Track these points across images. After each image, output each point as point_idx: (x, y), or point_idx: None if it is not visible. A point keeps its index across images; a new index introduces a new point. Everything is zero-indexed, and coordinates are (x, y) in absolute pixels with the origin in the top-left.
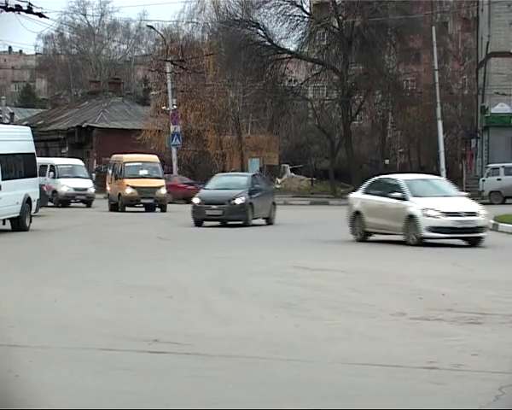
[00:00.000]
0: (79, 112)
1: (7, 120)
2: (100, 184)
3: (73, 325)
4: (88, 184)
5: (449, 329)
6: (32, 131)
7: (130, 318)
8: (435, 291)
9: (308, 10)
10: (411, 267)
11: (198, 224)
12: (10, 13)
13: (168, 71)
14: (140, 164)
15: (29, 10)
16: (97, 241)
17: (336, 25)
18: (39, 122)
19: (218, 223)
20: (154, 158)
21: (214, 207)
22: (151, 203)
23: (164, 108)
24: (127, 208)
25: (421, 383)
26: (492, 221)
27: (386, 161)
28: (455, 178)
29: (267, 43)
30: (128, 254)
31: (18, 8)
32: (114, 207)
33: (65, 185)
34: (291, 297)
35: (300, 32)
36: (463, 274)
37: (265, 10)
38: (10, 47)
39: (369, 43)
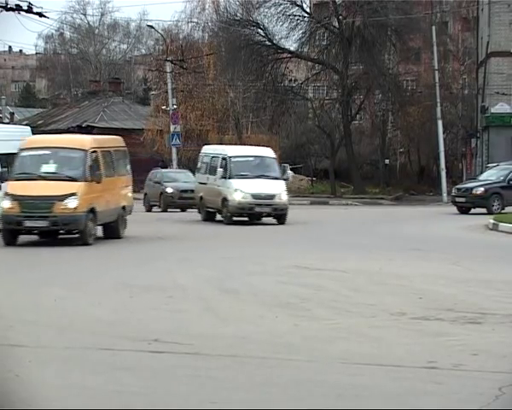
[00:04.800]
0: (79, 112)
1: (7, 120)
2: None
3: (73, 325)
4: (277, 189)
5: (449, 329)
6: (32, 131)
7: (131, 318)
8: (435, 291)
9: (308, 10)
10: (411, 267)
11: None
12: (10, 12)
13: (168, 71)
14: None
15: (29, 10)
16: (96, 241)
17: (336, 24)
18: (39, 122)
19: (217, 223)
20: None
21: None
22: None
23: (164, 107)
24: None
25: (421, 383)
26: (492, 221)
27: (386, 161)
28: (455, 177)
29: (267, 42)
30: (128, 254)
31: (18, 8)
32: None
33: (239, 191)
34: (291, 297)
35: (300, 31)
36: (463, 274)
37: (265, 10)
38: (10, 47)
39: (369, 43)
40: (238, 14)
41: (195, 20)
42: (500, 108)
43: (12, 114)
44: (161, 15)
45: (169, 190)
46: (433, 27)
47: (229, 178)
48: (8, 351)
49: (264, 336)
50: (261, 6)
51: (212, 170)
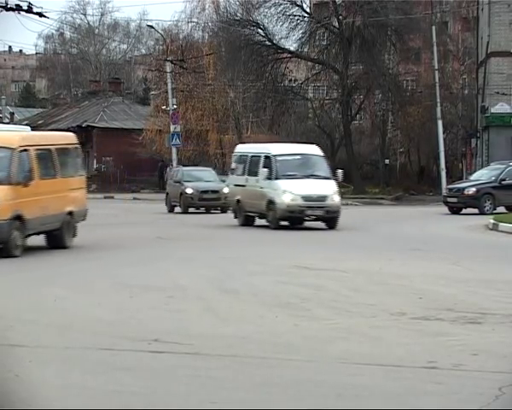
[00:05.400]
0: (79, 111)
1: (7, 120)
2: (100, 184)
3: (73, 325)
4: (328, 189)
5: (449, 329)
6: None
7: (131, 318)
8: (435, 291)
9: (308, 10)
10: (411, 267)
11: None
12: (10, 12)
13: (168, 71)
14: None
15: (29, 10)
16: (96, 241)
17: (336, 24)
18: (39, 122)
19: (216, 222)
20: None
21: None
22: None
23: (164, 107)
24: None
25: (421, 383)
26: (492, 221)
27: (386, 161)
28: (455, 177)
29: (267, 42)
30: (128, 254)
31: (18, 8)
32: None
33: (288, 192)
34: (291, 297)
35: (300, 31)
36: (463, 274)
37: (265, 10)
38: (10, 47)
39: (369, 43)
40: (238, 14)
41: (195, 20)
42: (500, 108)
43: (12, 114)
44: (161, 15)
45: (188, 190)
46: (433, 27)
47: (276, 178)
48: (8, 351)
49: (264, 336)
50: (261, 6)
51: (252, 171)
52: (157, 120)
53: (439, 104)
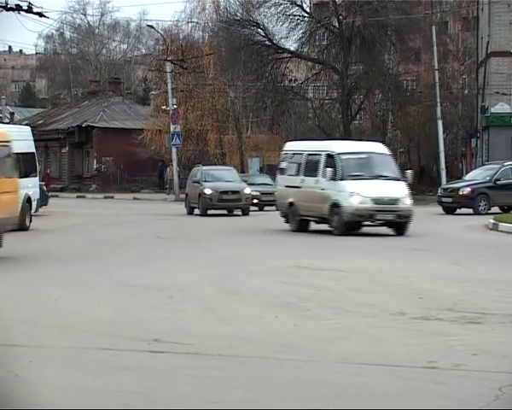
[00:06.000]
0: (79, 111)
1: (7, 120)
2: (100, 185)
3: (73, 325)
4: (400, 192)
5: (449, 329)
6: (32, 131)
7: (131, 317)
8: (435, 291)
9: (308, 10)
10: (411, 267)
11: None
12: (10, 12)
13: (168, 71)
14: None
15: (29, 10)
16: (97, 241)
17: (336, 24)
18: (39, 122)
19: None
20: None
21: None
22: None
23: (164, 107)
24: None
25: (421, 383)
26: (492, 221)
27: None
28: (455, 177)
29: (267, 42)
30: (128, 254)
31: (18, 8)
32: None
33: (357, 194)
34: (291, 297)
35: (300, 31)
36: (463, 274)
37: (265, 10)
38: (10, 47)
39: (369, 43)
40: (238, 14)
41: (195, 20)
42: (500, 108)
43: (12, 114)
44: (161, 15)
45: (207, 191)
46: (433, 27)
47: (341, 179)
48: (8, 351)
49: (264, 336)
50: (261, 6)
51: (309, 170)
52: (157, 120)
53: (439, 104)
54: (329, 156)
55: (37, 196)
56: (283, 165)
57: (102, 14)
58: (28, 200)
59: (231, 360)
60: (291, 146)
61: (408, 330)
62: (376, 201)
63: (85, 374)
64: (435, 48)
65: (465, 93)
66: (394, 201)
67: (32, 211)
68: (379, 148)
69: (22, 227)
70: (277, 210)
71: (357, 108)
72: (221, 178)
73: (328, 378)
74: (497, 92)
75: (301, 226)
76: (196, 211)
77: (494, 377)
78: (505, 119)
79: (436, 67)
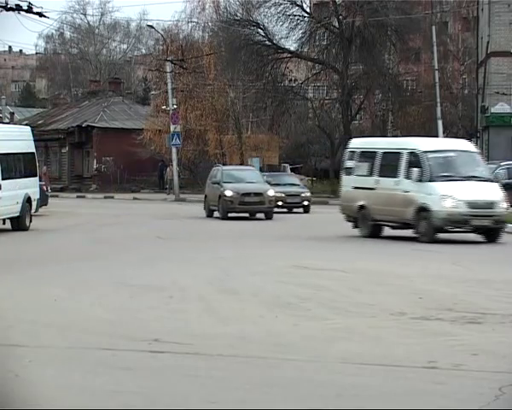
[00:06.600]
0: (79, 111)
1: (7, 120)
2: (100, 185)
3: (73, 325)
4: (495, 194)
5: (449, 329)
6: (32, 131)
7: (131, 317)
8: (435, 291)
9: (308, 10)
10: (411, 267)
11: None
12: (10, 12)
13: (168, 71)
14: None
15: (29, 10)
16: (97, 241)
17: (336, 24)
18: (39, 122)
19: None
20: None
21: None
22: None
23: (164, 107)
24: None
25: (421, 383)
26: None
27: None
28: None
29: (267, 42)
30: (128, 254)
31: (18, 8)
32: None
33: (449, 197)
34: (291, 297)
35: (300, 31)
36: (463, 274)
37: (265, 10)
38: (10, 47)
39: (369, 43)
40: (238, 14)
41: (195, 20)
42: (500, 108)
43: (12, 113)
44: (161, 15)
45: (228, 192)
46: (433, 27)
47: (430, 180)
48: (8, 351)
49: (265, 336)
50: (261, 6)
51: (386, 170)
52: (157, 120)
53: (439, 104)
54: (413, 155)
55: (37, 196)
56: (350, 164)
57: (102, 14)
58: (28, 200)
59: (231, 360)
60: (359, 143)
61: (408, 330)
62: (471, 205)
63: (85, 374)
64: (435, 48)
65: (465, 93)
66: (491, 204)
67: (32, 211)
68: (467, 146)
69: (22, 227)
70: (342, 214)
71: (357, 108)
72: (243, 178)
73: (328, 378)
74: (497, 92)
75: (374, 232)
76: (216, 214)
77: (494, 377)
78: (505, 119)
79: (436, 67)
